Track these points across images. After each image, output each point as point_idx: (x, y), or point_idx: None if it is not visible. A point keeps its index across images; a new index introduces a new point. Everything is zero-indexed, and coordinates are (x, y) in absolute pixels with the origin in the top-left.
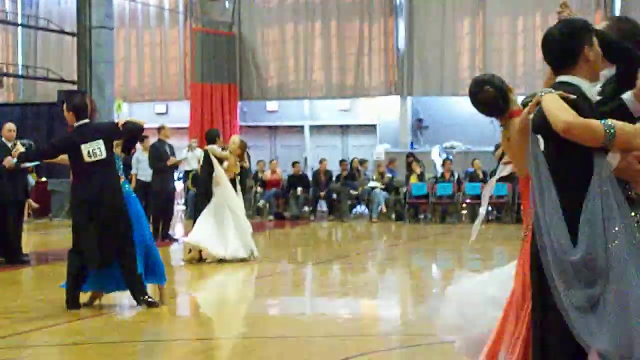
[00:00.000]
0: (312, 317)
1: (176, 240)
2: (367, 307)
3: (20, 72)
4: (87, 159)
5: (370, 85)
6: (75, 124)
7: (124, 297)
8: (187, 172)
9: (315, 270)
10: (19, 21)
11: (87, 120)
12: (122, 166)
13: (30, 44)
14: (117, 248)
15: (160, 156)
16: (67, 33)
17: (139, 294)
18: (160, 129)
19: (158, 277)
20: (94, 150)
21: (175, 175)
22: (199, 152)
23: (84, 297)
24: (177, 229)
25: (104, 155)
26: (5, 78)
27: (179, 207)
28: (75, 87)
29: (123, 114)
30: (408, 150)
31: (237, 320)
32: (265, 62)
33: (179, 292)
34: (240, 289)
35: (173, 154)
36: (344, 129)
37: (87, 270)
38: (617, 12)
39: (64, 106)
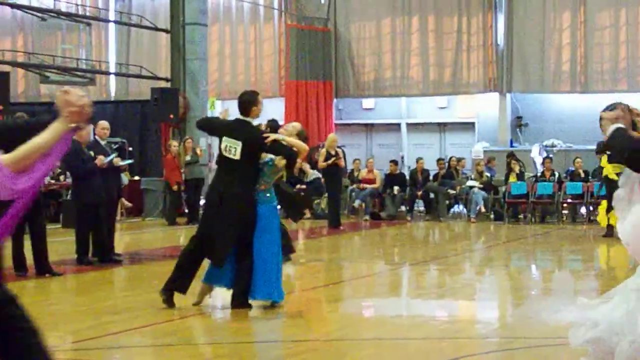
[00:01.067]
0: (408, 319)
1: None
2: (465, 309)
3: (112, 70)
4: (223, 152)
5: (469, 82)
6: (237, 117)
7: (217, 298)
8: None
9: (412, 271)
10: (112, 18)
11: (243, 118)
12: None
13: (123, 41)
14: (231, 250)
15: None
16: (161, 30)
17: (237, 300)
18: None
19: (265, 293)
20: (230, 147)
21: None
22: None
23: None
24: None
25: (237, 157)
26: (97, 76)
27: None
28: (168, 85)
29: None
30: (507, 148)
31: (332, 321)
32: (361, 59)
33: None
34: (336, 290)
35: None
36: (442, 127)
37: (197, 262)
38: None
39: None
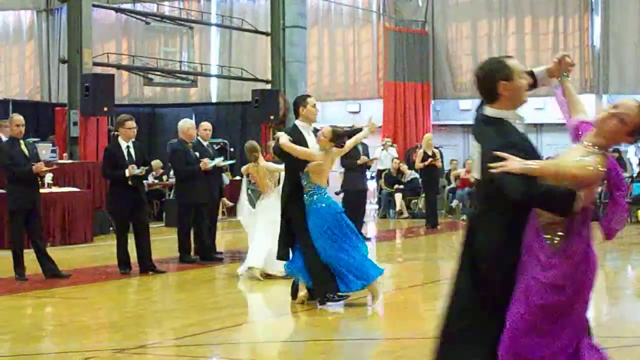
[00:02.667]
0: None
1: (368, 239)
2: None
3: (214, 72)
4: None
5: None
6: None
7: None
8: (380, 172)
9: None
10: (214, 21)
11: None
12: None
13: (225, 44)
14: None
15: (350, 154)
16: (261, 32)
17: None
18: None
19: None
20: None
21: (368, 174)
22: (393, 151)
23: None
24: (369, 228)
25: None
26: (199, 78)
27: (371, 206)
28: (269, 87)
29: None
30: None
31: (428, 320)
32: (458, 60)
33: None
34: (432, 288)
35: (366, 153)
36: (538, 128)
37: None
38: None
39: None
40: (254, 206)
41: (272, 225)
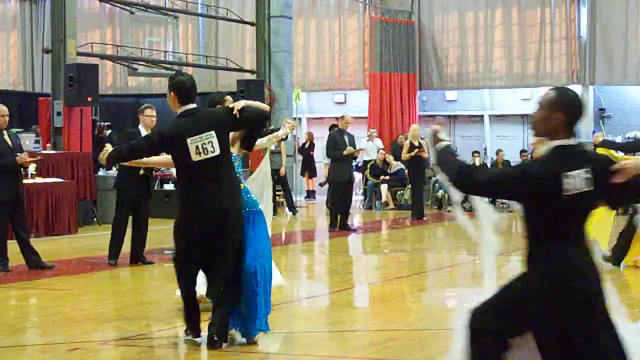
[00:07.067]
0: None
1: (354, 230)
2: None
3: (200, 62)
4: (195, 157)
5: (552, 74)
6: (179, 110)
7: (303, 289)
8: (365, 162)
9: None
10: (199, 11)
11: (193, 106)
12: (240, 169)
13: (211, 34)
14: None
15: (336, 145)
16: (246, 22)
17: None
18: (339, 119)
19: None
20: (205, 145)
21: (354, 165)
22: (379, 142)
23: None
24: (355, 219)
25: (217, 152)
26: (185, 68)
27: (357, 197)
28: (254, 77)
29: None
30: (589, 140)
31: (415, 311)
32: (444, 51)
33: (356, 282)
34: (419, 280)
35: (352, 143)
36: (525, 119)
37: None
38: None
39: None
40: None
41: None
